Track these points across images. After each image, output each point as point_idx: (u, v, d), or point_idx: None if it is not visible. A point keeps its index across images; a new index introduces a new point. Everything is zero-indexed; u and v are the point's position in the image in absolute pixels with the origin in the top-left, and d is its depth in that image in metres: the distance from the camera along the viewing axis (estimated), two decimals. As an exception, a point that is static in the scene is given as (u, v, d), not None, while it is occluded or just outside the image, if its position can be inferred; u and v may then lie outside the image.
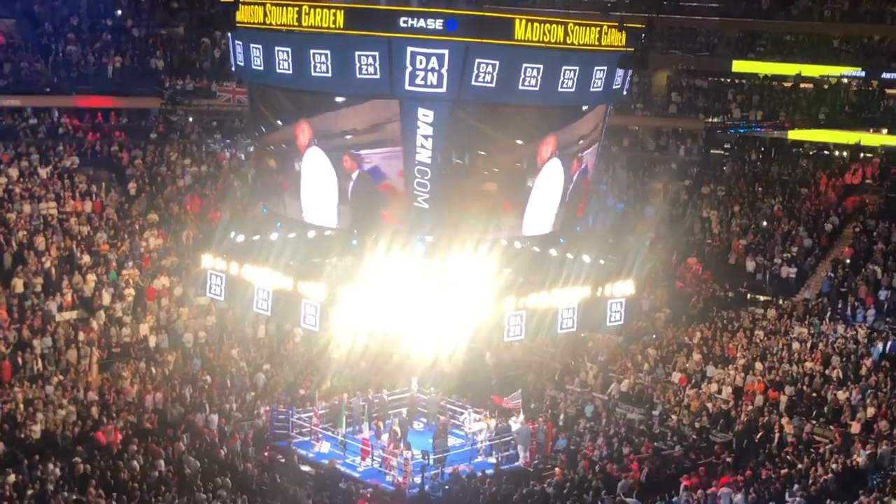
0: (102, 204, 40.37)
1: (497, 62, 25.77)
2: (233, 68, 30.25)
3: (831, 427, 31.62)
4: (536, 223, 29.69)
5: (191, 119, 45.60)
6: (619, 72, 28.56)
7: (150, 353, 35.03)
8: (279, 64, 27.20)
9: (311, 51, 26.38)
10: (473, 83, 25.77)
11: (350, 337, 32.10)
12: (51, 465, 27.23)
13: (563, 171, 29.13)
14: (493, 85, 25.88)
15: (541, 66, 26.27)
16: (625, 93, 30.17)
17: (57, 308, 35.15)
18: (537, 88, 26.43)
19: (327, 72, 26.48)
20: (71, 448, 28.63)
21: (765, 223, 43.73)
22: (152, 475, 27.55)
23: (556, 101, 27.43)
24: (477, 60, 25.60)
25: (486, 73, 25.76)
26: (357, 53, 25.89)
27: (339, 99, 27.50)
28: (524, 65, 26.13)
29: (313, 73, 26.57)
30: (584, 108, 28.83)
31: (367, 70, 26.03)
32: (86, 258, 37.28)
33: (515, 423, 31.98)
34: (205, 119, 46.02)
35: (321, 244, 31.27)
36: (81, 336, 34.30)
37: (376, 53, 25.74)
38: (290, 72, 27.03)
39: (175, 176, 43.21)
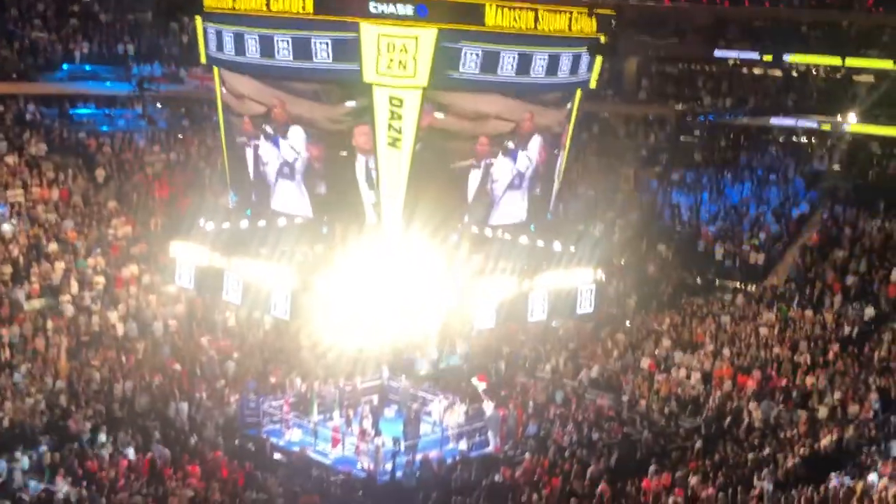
0: (70, 191, 40.03)
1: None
2: (203, 59, 29.82)
3: (799, 412, 31.90)
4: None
5: (159, 105, 45.28)
6: (586, 58, 28.56)
7: (120, 341, 34.80)
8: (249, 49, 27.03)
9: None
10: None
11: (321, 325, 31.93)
12: (19, 454, 27.06)
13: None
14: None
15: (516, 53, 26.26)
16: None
17: (25, 296, 34.86)
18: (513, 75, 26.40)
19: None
20: (39, 437, 28.44)
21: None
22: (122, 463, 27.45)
23: (528, 88, 27.37)
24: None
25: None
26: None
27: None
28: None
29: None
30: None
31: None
32: (53, 246, 36.97)
33: (488, 409, 32.04)
34: (172, 105, 45.70)
35: (291, 232, 31.14)
36: (49, 324, 34.04)
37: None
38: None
39: (143, 163, 42.89)
